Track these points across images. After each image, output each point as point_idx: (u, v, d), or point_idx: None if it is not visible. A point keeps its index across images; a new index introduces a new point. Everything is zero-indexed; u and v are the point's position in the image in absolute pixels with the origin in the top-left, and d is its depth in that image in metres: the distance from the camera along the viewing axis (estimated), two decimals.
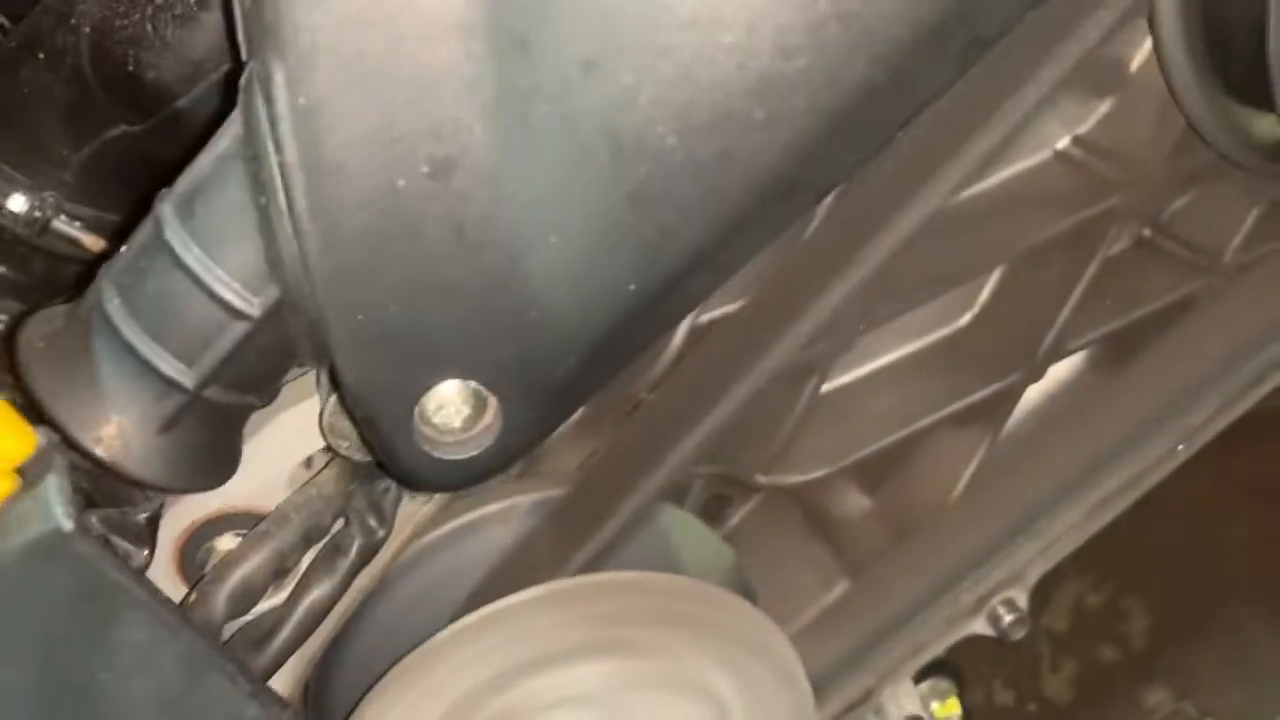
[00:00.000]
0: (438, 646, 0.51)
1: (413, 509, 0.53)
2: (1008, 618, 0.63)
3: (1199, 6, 0.53)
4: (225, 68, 0.54)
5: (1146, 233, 0.65)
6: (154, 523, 0.48)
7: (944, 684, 0.66)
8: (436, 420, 0.41)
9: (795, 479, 0.62)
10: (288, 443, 0.51)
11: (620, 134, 0.39)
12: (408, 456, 0.42)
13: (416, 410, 0.41)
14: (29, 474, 0.42)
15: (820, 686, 0.59)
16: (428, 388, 0.40)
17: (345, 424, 0.46)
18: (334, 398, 0.45)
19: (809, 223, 0.55)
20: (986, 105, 0.51)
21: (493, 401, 0.41)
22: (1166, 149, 0.59)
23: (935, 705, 0.66)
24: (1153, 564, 1.26)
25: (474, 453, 0.42)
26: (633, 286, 0.42)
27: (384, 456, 0.43)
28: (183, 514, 0.51)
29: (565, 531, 0.56)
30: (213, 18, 0.53)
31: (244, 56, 0.39)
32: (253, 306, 0.41)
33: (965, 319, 0.65)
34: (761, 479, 0.62)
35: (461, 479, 0.44)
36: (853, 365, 0.64)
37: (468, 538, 0.56)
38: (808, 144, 0.42)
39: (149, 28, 0.53)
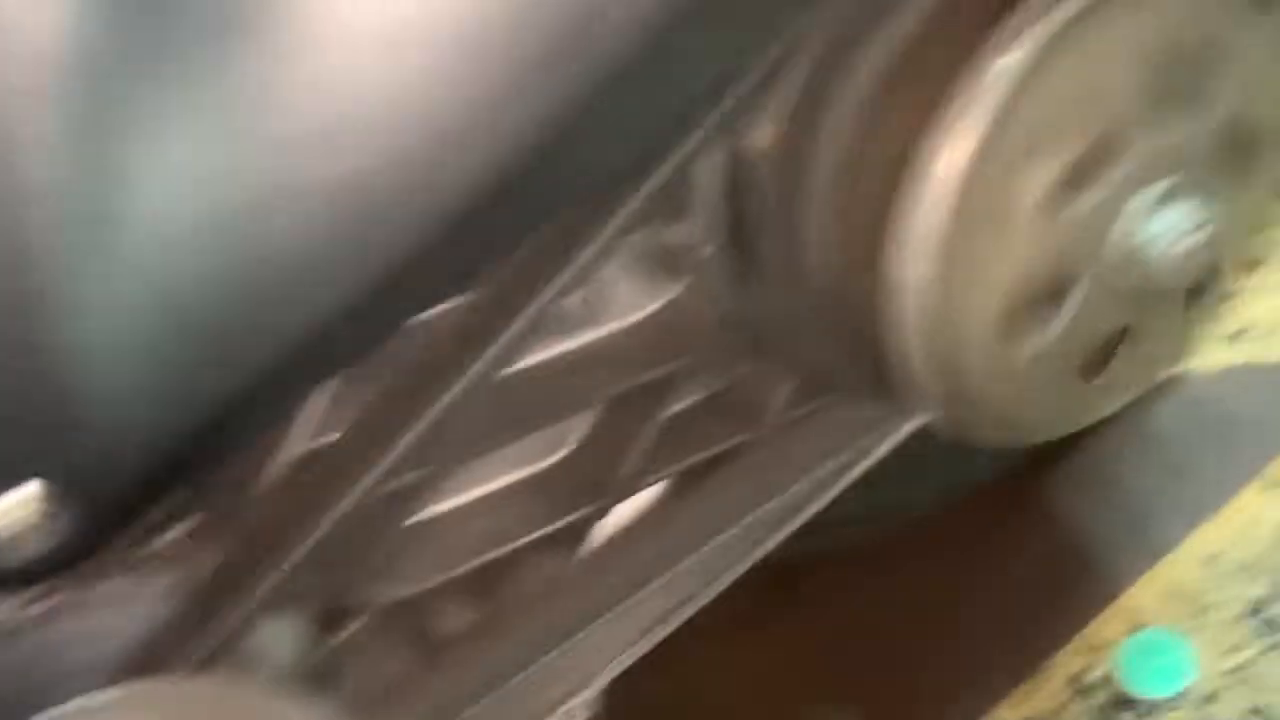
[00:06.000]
0: None
1: None
2: None
3: (726, 193, 0.64)
4: None
5: (718, 387, 0.76)
6: None
7: None
8: None
9: (396, 594, 0.69)
10: None
11: None
12: None
13: None
14: None
15: None
16: None
17: None
18: None
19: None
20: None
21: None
22: (720, 323, 0.70)
23: None
24: None
25: None
26: None
27: None
28: None
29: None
30: None
31: None
32: None
33: (560, 454, 0.74)
34: (364, 597, 0.69)
35: None
36: (454, 491, 0.72)
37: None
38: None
39: None
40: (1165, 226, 0.59)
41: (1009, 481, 1.05)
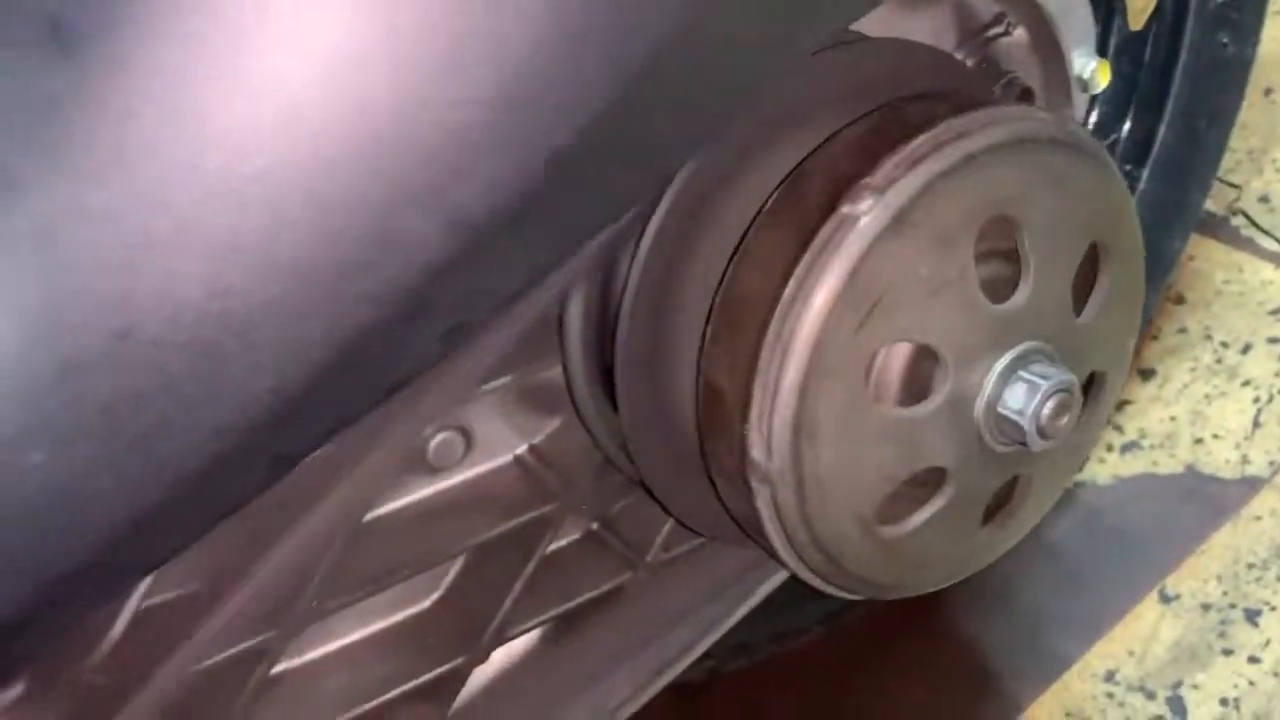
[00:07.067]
0: None
1: None
2: None
3: (596, 336, 0.62)
4: None
5: (595, 527, 0.73)
6: None
7: None
8: None
9: None
10: None
11: None
12: None
13: None
14: None
15: None
16: None
17: None
18: None
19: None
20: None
21: None
22: (596, 463, 0.68)
23: None
24: None
25: None
26: None
27: None
28: None
29: None
30: None
31: None
32: None
33: (429, 601, 0.70)
34: None
35: None
36: (314, 644, 0.68)
37: None
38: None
39: None
40: (1028, 390, 0.57)
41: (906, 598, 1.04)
